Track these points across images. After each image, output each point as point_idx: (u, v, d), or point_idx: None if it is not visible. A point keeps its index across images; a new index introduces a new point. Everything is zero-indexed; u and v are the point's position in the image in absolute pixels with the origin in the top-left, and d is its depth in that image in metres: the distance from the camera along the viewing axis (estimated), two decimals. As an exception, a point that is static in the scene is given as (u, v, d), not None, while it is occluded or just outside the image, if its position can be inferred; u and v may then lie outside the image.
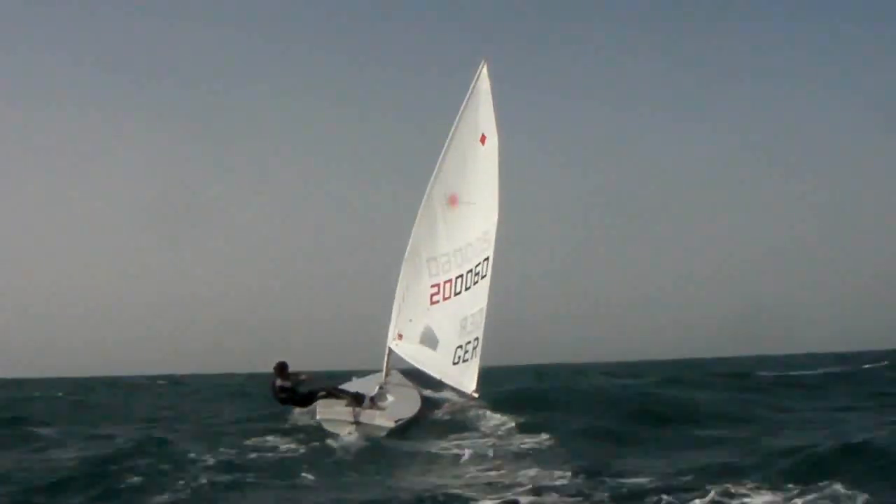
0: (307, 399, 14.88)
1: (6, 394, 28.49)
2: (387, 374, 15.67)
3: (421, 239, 15.48)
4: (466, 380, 14.62)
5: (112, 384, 37.02)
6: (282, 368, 15.03)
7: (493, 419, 13.80)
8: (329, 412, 14.14)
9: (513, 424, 13.22)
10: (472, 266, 14.95)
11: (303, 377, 15.16)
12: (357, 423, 13.80)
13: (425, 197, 15.49)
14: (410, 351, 15.38)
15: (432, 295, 15.40)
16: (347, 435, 13.50)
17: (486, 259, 14.78)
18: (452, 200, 15.36)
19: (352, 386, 15.70)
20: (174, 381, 39.29)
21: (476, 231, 14.96)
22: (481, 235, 14.86)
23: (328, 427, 13.76)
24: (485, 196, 14.95)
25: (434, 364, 15.09)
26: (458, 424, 13.86)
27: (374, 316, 16.82)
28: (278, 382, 14.95)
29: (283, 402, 15.08)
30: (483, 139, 15.04)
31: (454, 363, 14.87)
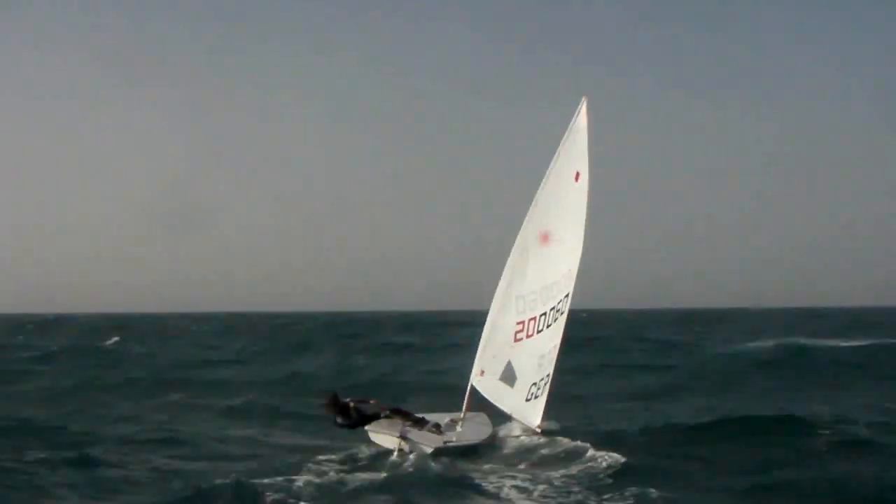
0: (373, 417, 14.80)
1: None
2: (466, 411, 15.35)
3: (513, 275, 15.25)
4: (533, 415, 14.26)
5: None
6: (334, 401, 14.78)
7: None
8: (379, 426, 14.12)
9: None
10: (554, 304, 14.59)
11: (371, 401, 15.13)
12: (404, 438, 13.68)
13: (520, 233, 15.29)
14: (489, 387, 15.07)
15: (516, 332, 15.07)
16: (395, 449, 13.61)
17: (567, 295, 14.42)
18: (544, 238, 15.07)
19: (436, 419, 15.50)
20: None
21: (562, 269, 14.61)
22: (566, 273, 14.50)
23: (374, 439, 13.82)
24: (574, 234, 14.62)
25: (508, 401, 14.78)
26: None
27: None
28: (339, 420, 14.77)
29: (352, 428, 14.97)
30: (577, 176, 14.75)
31: (527, 399, 14.55)
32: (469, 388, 15.36)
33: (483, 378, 15.25)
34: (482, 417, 15.53)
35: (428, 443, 13.76)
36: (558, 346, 14.33)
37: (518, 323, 15.08)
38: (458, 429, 14.83)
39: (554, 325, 14.51)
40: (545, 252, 15.02)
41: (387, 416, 14.69)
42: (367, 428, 14.21)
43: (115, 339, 54.66)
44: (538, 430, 14.13)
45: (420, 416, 14.82)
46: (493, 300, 15.40)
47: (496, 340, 15.27)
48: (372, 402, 15.17)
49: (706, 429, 15.87)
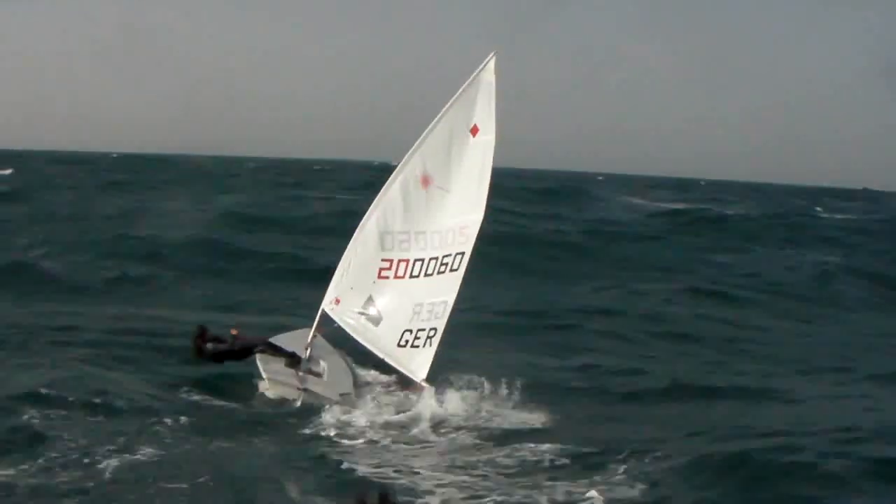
0: (244, 353, 14.44)
1: None
2: (313, 336, 15.32)
3: (381, 210, 15.08)
4: (416, 366, 14.58)
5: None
6: (203, 332, 14.41)
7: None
8: (275, 373, 14.03)
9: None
10: (438, 255, 14.78)
11: (233, 332, 14.65)
12: (304, 390, 13.81)
13: (398, 168, 15.08)
14: (349, 320, 15.05)
15: (381, 269, 15.09)
16: (294, 402, 13.68)
17: (462, 254, 14.68)
18: (424, 181, 15.04)
19: (280, 342, 15.31)
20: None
21: (450, 222, 14.80)
22: (457, 228, 14.73)
23: (274, 389, 13.79)
24: (466, 189, 14.78)
25: (375, 341, 14.89)
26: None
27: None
28: (210, 347, 14.29)
29: (221, 361, 14.51)
30: (475, 130, 14.79)
31: (399, 345, 14.76)
32: (319, 312, 15.25)
33: (338, 307, 15.17)
34: (322, 341, 15.50)
35: (328, 395, 13.90)
36: (449, 303, 14.68)
37: (385, 260, 15.08)
38: (322, 364, 14.86)
39: (439, 277, 14.74)
40: (424, 196, 15.01)
41: (259, 352, 14.41)
42: (265, 376, 13.93)
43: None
44: (425, 385, 14.58)
45: (289, 350, 14.62)
46: (358, 229, 15.19)
47: (355, 272, 15.16)
48: (233, 331, 14.64)
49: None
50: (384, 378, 15.25)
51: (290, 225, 37.03)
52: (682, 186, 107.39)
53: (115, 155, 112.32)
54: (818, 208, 70.93)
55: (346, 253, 15.23)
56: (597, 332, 21.09)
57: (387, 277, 15.12)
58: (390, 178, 15.09)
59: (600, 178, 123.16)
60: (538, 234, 37.30)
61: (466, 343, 16.75)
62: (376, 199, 15.12)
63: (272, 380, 14.05)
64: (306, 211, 42.38)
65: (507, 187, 48.52)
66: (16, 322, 18.16)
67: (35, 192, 47.35)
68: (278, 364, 14.50)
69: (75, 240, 30.26)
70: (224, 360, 14.57)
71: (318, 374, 14.60)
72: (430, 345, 14.78)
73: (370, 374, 15.44)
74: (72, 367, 14.71)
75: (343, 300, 15.22)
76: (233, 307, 21.57)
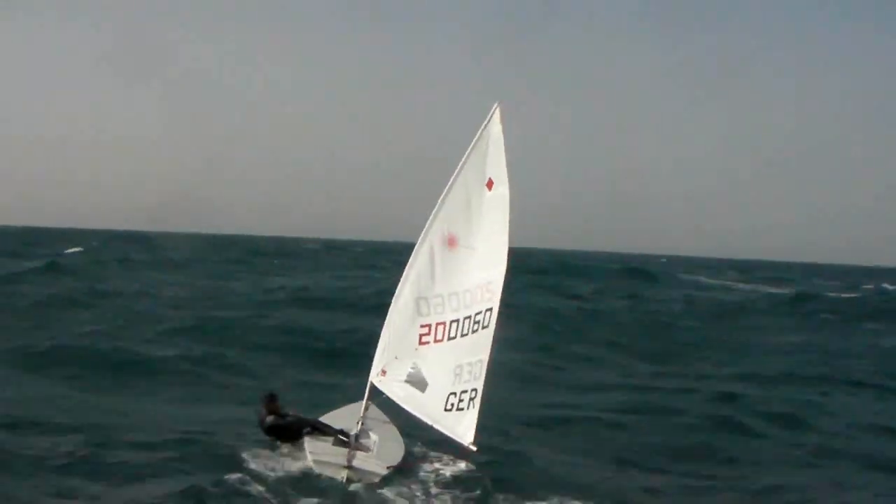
0: (295, 434, 14.69)
1: None
2: (365, 409, 15.39)
3: (414, 276, 15.13)
4: (462, 429, 14.46)
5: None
6: (272, 400, 14.84)
7: None
8: (321, 453, 14.09)
9: None
10: (471, 313, 14.69)
11: (290, 411, 14.95)
12: (350, 467, 13.81)
13: (423, 234, 15.12)
14: (396, 389, 15.08)
15: (422, 335, 15.07)
16: (343, 480, 13.65)
17: (490, 310, 14.56)
18: (451, 242, 15.03)
19: (330, 420, 15.50)
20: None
21: (476, 279, 14.70)
22: (483, 284, 14.61)
23: (320, 469, 13.74)
24: (488, 244, 14.68)
25: (422, 407, 14.84)
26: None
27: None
28: (271, 420, 14.67)
29: (278, 437, 14.84)
30: (490, 184, 14.72)
31: (446, 409, 14.68)
32: (368, 386, 15.33)
33: (385, 378, 15.23)
34: (375, 411, 15.61)
35: (374, 469, 13.88)
36: (485, 362, 14.55)
37: (423, 326, 15.07)
38: (372, 437, 14.93)
39: (472, 336, 14.64)
40: (452, 256, 14.99)
41: (307, 433, 14.62)
42: (309, 454, 14.08)
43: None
44: (472, 448, 14.42)
45: (337, 429, 14.79)
46: (394, 299, 15.26)
47: (398, 341, 15.21)
48: (290, 412, 14.97)
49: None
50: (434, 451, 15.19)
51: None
52: (738, 267, 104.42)
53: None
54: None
55: (385, 324, 15.31)
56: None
57: (427, 343, 15.08)
58: (418, 243, 15.13)
59: (663, 259, 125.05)
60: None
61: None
62: (407, 266, 15.18)
63: (317, 460, 14.12)
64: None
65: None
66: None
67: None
68: (325, 443, 14.61)
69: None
70: (278, 437, 14.84)
71: (368, 449, 14.61)
72: (473, 406, 14.61)
73: (420, 446, 15.42)
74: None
75: (389, 371, 15.26)
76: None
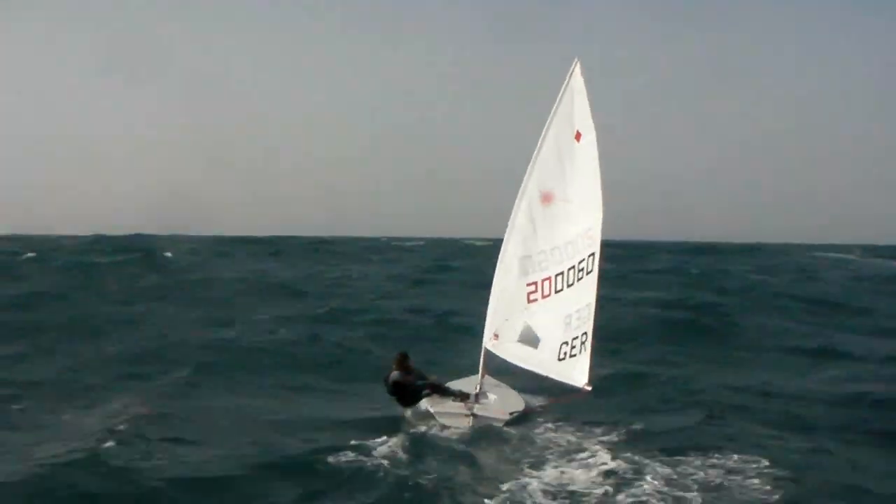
0: (414, 397, 15.02)
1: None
2: (482, 377, 15.65)
3: (514, 238, 15.48)
4: (577, 373, 14.61)
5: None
6: (403, 359, 15.27)
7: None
8: (442, 406, 14.40)
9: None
10: (574, 262, 14.94)
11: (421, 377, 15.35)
12: (473, 415, 14.07)
13: (518, 195, 15.52)
14: (510, 350, 15.36)
15: (529, 293, 15.38)
16: (467, 426, 14.01)
17: (592, 255, 14.78)
18: (546, 198, 15.37)
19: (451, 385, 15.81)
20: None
21: (576, 228, 14.96)
22: (583, 233, 14.86)
23: (444, 421, 14.03)
24: (584, 194, 14.96)
25: (537, 361, 15.07)
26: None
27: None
28: (395, 376, 15.08)
29: (393, 394, 15.20)
30: (578, 136, 15.07)
31: (560, 359, 14.86)
32: (483, 352, 15.62)
33: (499, 342, 15.51)
34: (491, 380, 15.87)
35: (497, 416, 14.21)
36: (592, 304, 14.74)
37: (529, 284, 15.37)
38: (492, 396, 15.22)
39: (578, 284, 14.87)
40: (550, 212, 15.31)
41: (426, 395, 14.95)
42: (430, 408, 14.42)
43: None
44: (588, 388, 14.56)
45: (456, 389, 15.12)
46: (498, 263, 15.63)
47: (506, 303, 15.53)
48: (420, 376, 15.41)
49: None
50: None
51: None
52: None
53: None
54: None
55: (492, 288, 15.64)
56: None
57: (535, 300, 15.35)
58: (515, 205, 15.52)
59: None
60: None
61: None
62: (507, 228, 15.56)
63: (440, 413, 14.44)
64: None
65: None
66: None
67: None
68: (447, 401, 14.93)
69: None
70: (398, 396, 15.19)
71: (487, 403, 14.90)
72: (585, 349, 14.74)
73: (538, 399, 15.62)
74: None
75: (501, 334, 15.55)
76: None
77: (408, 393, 15.05)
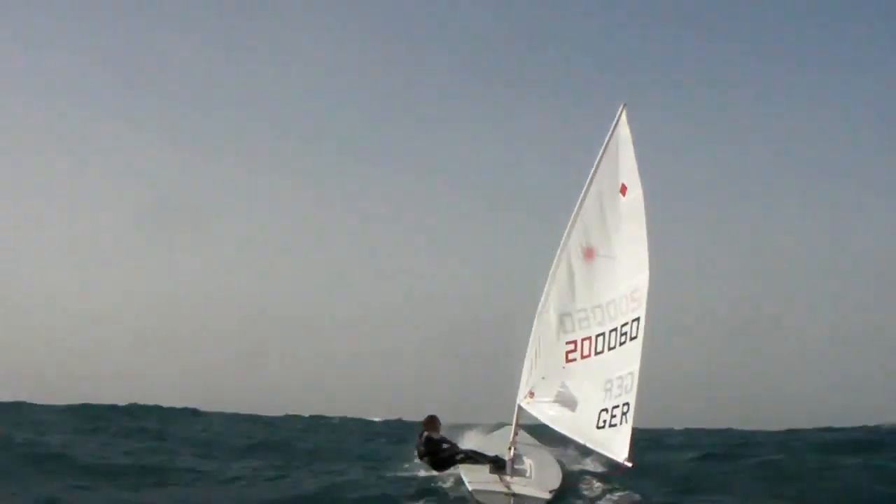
0: (446, 462, 14.40)
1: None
2: (515, 434, 14.95)
3: (554, 293, 14.72)
4: (617, 446, 13.79)
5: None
6: (431, 421, 14.71)
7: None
8: (479, 481, 13.70)
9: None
10: (616, 325, 14.11)
11: (446, 444, 14.74)
12: (513, 494, 13.37)
13: (560, 249, 14.72)
14: (546, 410, 14.62)
15: (568, 352, 14.61)
16: None
17: (637, 319, 13.93)
18: (588, 253, 14.56)
19: (480, 447, 15.17)
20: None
21: (620, 288, 14.12)
22: (628, 294, 14.00)
23: (481, 499, 13.32)
24: (628, 251, 14.11)
25: (574, 426, 14.29)
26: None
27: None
28: (427, 436, 14.52)
29: (422, 457, 14.62)
30: (624, 189, 14.20)
31: (598, 427, 14.07)
32: (517, 409, 14.92)
33: (533, 400, 14.80)
34: (525, 437, 15.19)
35: (537, 495, 13.45)
36: (636, 374, 13.92)
37: (569, 343, 14.61)
38: (527, 462, 14.53)
39: (621, 349, 14.05)
40: (593, 268, 14.52)
41: (460, 461, 14.33)
42: (468, 483, 13.76)
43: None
44: (628, 465, 13.77)
45: (492, 456, 14.46)
46: (537, 317, 14.88)
47: (544, 360, 14.79)
48: (446, 444, 14.77)
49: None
50: (590, 465, 14.50)
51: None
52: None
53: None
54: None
55: (530, 344, 14.93)
56: None
57: (574, 360, 14.59)
58: (555, 260, 14.75)
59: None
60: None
61: None
62: (546, 284, 14.80)
63: (478, 490, 13.72)
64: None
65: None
66: None
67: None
68: (482, 471, 14.25)
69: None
70: (430, 459, 14.62)
71: (524, 474, 14.19)
72: (626, 421, 13.88)
73: (577, 463, 14.80)
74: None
75: (537, 392, 14.83)
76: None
77: (441, 457, 14.44)
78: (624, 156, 14.13)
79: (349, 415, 42.88)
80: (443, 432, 15.18)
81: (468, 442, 15.61)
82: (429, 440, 14.67)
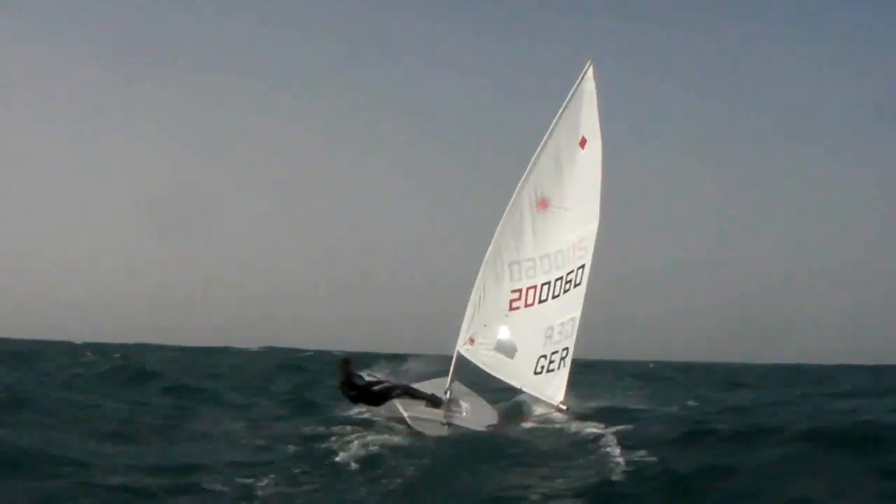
0: (381, 397, 14.19)
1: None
2: (451, 381, 14.86)
3: (504, 242, 14.73)
4: (552, 390, 13.88)
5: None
6: (347, 363, 14.41)
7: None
8: (415, 411, 13.56)
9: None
10: (562, 273, 14.23)
11: (370, 378, 14.50)
12: (449, 424, 13.29)
13: (513, 198, 14.75)
14: (484, 357, 14.59)
15: (512, 300, 14.64)
16: (444, 434, 13.10)
17: (582, 267, 14.07)
18: (542, 204, 14.66)
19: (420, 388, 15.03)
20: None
21: (569, 238, 14.26)
22: (576, 242, 14.16)
23: (418, 426, 13.19)
24: (582, 202, 14.26)
25: (511, 372, 14.32)
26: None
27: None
28: (350, 379, 14.26)
29: (354, 399, 14.36)
30: (583, 143, 14.38)
31: (536, 373, 14.13)
32: (455, 355, 14.83)
33: (474, 347, 14.73)
34: (460, 387, 15.09)
35: (474, 427, 13.43)
36: (577, 319, 14.03)
37: (513, 291, 14.64)
38: (464, 405, 14.41)
39: (565, 297, 14.18)
40: (545, 218, 14.61)
41: (397, 395, 14.15)
42: (405, 412, 13.57)
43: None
44: (562, 407, 13.82)
45: (429, 393, 14.31)
46: (483, 265, 14.85)
47: (487, 308, 14.76)
48: (371, 378, 14.51)
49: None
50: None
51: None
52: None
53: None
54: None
55: (474, 291, 14.86)
56: None
57: (518, 308, 14.63)
58: (508, 208, 14.78)
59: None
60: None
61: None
62: (496, 231, 14.80)
63: (415, 418, 13.58)
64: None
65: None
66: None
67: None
68: (419, 405, 14.13)
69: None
70: (359, 402, 14.36)
71: (460, 413, 14.11)
72: (564, 365, 14.05)
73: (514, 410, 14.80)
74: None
75: (477, 339, 14.79)
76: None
77: (374, 391, 14.23)
78: (587, 109, 14.32)
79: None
80: (384, 363, 15.02)
81: (404, 378, 15.43)
82: (354, 383, 14.41)
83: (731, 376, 32.49)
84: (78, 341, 51.72)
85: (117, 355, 35.23)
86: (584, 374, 18.85)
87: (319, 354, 42.53)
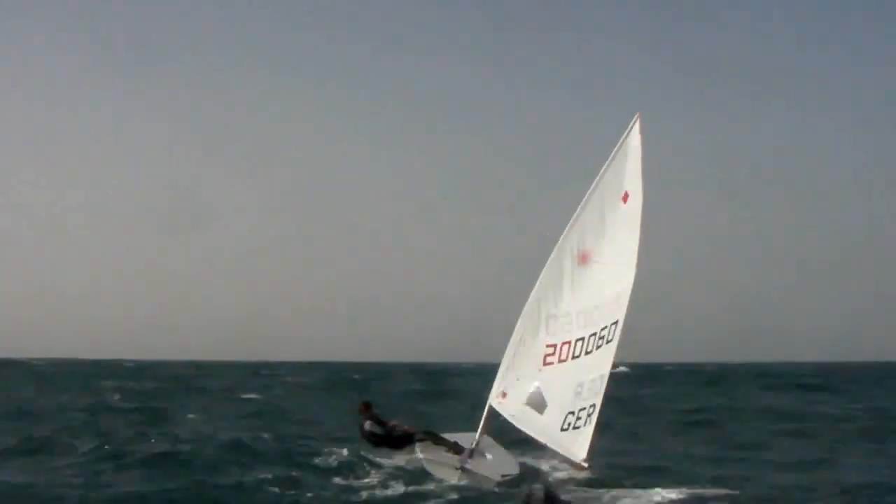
0: (403, 441, 14.07)
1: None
2: (481, 434, 14.54)
3: (544, 295, 14.46)
4: (576, 447, 13.41)
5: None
6: (367, 407, 14.38)
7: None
8: (433, 454, 13.36)
9: None
10: (596, 329, 13.83)
11: (394, 423, 14.41)
12: (463, 469, 13.02)
13: (554, 251, 14.52)
14: (514, 411, 14.25)
15: (546, 356, 14.28)
16: (455, 481, 13.02)
17: (615, 323, 13.66)
18: (583, 258, 14.35)
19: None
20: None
21: (607, 293, 13.89)
22: (613, 298, 13.77)
23: (431, 469, 13.03)
24: (620, 257, 13.90)
25: (538, 428, 13.92)
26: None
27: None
28: (367, 426, 14.21)
29: (376, 444, 14.26)
30: (626, 197, 14.07)
31: (563, 429, 13.72)
32: (487, 408, 14.55)
33: (505, 401, 14.43)
34: (490, 441, 14.79)
35: (489, 475, 13.21)
36: (606, 376, 13.59)
37: (548, 346, 14.30)
38: (488, 456, 14.14)
39: (596, 353, 13.76)
40: (584, 273, 14.28)
41: (420, 440, 14.03)
42: (419, 454, 13.43)
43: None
44: (584, 465, 13.33)
45: (452, 441, 14.11)
46: (520, 318, 14.60)
47: (522, 362, 14.47)
48: (394, 423, 14.44)
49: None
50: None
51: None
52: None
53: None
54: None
55: (509, 345, 14.62)
56: None
57: (551, 363, 14.27)
58: (549, 260, 14.54)
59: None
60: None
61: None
62: (536, 284, 14.56)
63: (429, 460, 13.38)
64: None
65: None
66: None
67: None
68: (439, 451, 13.92)
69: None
70: (380, 446, 14.25)
71: (479, 461, 13.82)
72: (590, 422, 13.54)
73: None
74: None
75: (509, 393, 14.48)
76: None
77: (395, 436, 14.11)
78: (631, 163, 14.04)
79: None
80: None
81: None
82: (372, 433, 14.37)
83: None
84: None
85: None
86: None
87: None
